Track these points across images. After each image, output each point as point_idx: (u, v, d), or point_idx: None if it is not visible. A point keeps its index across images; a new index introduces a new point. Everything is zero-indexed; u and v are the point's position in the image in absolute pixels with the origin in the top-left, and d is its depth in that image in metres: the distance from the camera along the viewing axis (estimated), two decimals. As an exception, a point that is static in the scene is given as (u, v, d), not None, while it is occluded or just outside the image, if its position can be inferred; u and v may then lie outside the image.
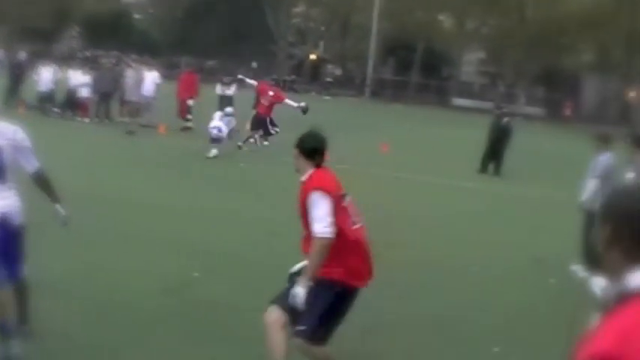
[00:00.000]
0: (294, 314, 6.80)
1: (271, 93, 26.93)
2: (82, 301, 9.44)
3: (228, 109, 25.72)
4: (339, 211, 6.80)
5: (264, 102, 26.69)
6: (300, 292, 6.62)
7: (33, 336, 7.53)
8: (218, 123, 24.44)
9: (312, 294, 6.67)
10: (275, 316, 6.94)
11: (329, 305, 6.86)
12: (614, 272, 2.79)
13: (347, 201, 7.06)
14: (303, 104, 27.16)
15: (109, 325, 8.85)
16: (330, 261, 6.69)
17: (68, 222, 7.70)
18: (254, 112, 27.26)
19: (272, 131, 26.54)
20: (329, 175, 7.03)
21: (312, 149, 6.98)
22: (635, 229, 2.75)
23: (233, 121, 25.71)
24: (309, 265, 6.74)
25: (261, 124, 26.54)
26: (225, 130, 24.59)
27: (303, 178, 6.96)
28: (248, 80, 28.90)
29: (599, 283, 3.78)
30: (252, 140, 26.64)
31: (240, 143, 26.33)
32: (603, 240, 2.83)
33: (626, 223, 2.77)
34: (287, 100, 27.17)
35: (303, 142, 7.05)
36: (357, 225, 7.05)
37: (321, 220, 6.64)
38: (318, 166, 6.97)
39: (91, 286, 10.14)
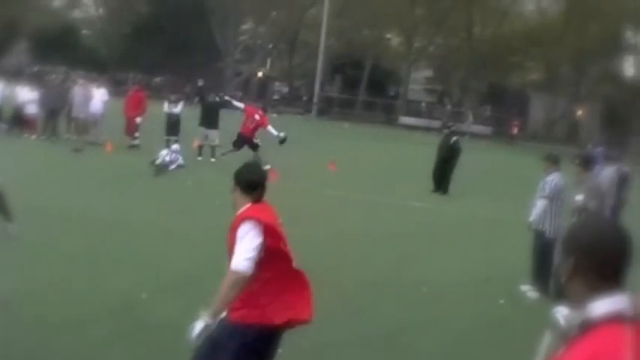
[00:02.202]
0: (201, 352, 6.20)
1: (257, 117, 27.89)
2: (27, 321, 9.26)
3: (175, 147, 26.21)
4: (276, 240, 6.17)
5: (249, 124, 27.76)
6: (197, 326, 5.91)
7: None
8: (165, 159, 25.09)
9: (225, 337, 6.09)
10: None
11: (242, 353, 6.15)
12: (577, 302, 2.84)
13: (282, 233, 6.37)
14: (282, 134, 28.01)
15: (55, 346, 8.69)
16: (248, 301, 6.11)
17: (15, 236, 7.58)
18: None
19: (255, 142, 27.70)
20: (266, 208, 6.39)
21: (251, 183, 6.38)
22: (596, 262, 2.84)
23: (180, 158, 25.82)
24: (216, 299, 6.02)
25: (244, 142, 27.66)
26: (171, 166, 25.26)
27: (239, 212, 6.30)
28: (235, 103, 29.76)
29: (560, 311, 3.78)
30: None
31: (222, 152, 27.83)
32: (566, 271, 2.87)
33: (588, 255, 2.84)
34: (269, 127, 27.99)
35: (240, 174, 6.46)
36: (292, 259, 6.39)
37: (243, 253, 5.99)
38: (256, 201, 6.34)
39: (37, 305, 9.96)
